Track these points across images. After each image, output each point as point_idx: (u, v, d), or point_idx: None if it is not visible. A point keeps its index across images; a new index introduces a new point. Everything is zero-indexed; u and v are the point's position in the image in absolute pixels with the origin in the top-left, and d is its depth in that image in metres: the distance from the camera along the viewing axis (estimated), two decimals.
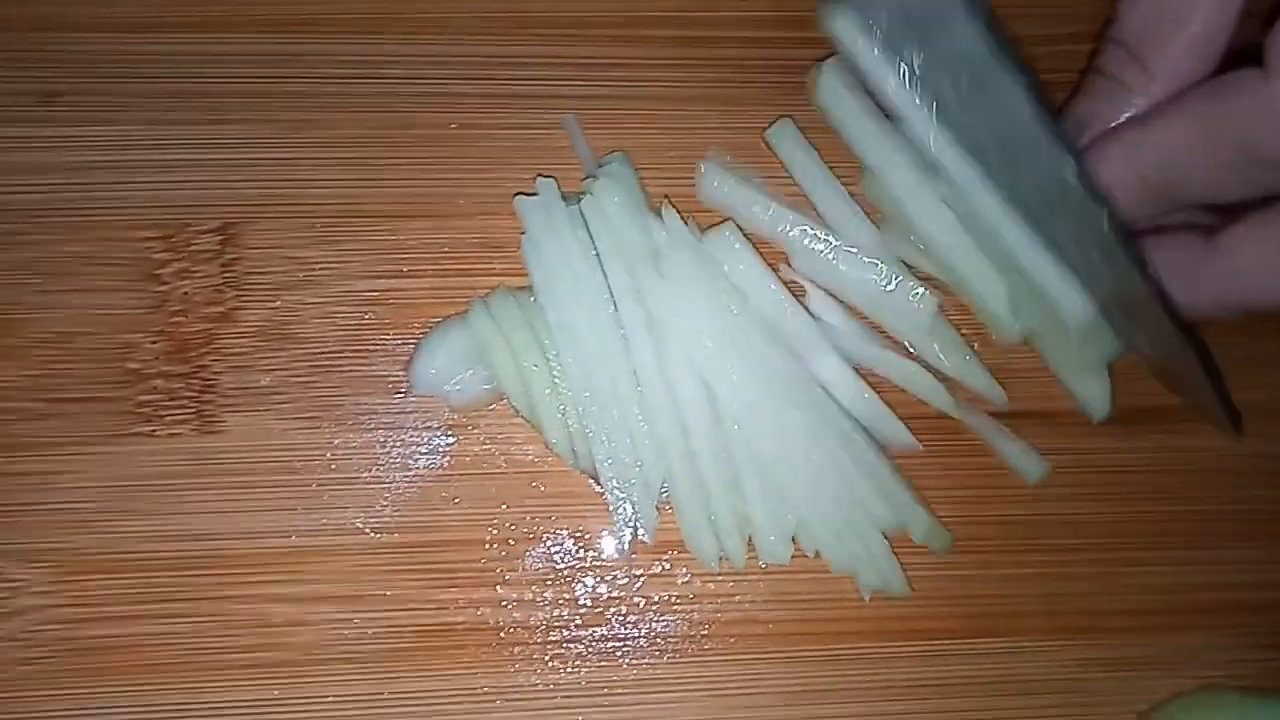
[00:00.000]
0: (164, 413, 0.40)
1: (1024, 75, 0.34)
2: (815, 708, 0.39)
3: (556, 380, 0.39)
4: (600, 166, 0.41)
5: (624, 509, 0.39)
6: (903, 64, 0.37)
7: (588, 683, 0.39)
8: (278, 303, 0.41)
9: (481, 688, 0.38)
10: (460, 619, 0.39)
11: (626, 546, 0.39)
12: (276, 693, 0.38)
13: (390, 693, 0.38)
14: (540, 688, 0.39)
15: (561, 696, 0.39)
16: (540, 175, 0.41)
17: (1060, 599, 0.41)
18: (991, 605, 0.40)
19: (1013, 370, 0.42)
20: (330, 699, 0.38)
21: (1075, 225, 0.35)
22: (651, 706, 0.39)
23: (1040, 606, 0.41)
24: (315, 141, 0.42)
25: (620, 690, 0.39)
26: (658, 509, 0.39)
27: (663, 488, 0.39)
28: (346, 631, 0.39)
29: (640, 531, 0.39)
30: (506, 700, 0.39)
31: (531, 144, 0.42)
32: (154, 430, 0.39)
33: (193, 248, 0.41)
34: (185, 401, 0.40)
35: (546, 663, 0.39)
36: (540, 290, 0.39)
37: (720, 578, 0.40)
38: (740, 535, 0.39)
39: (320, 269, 0.41)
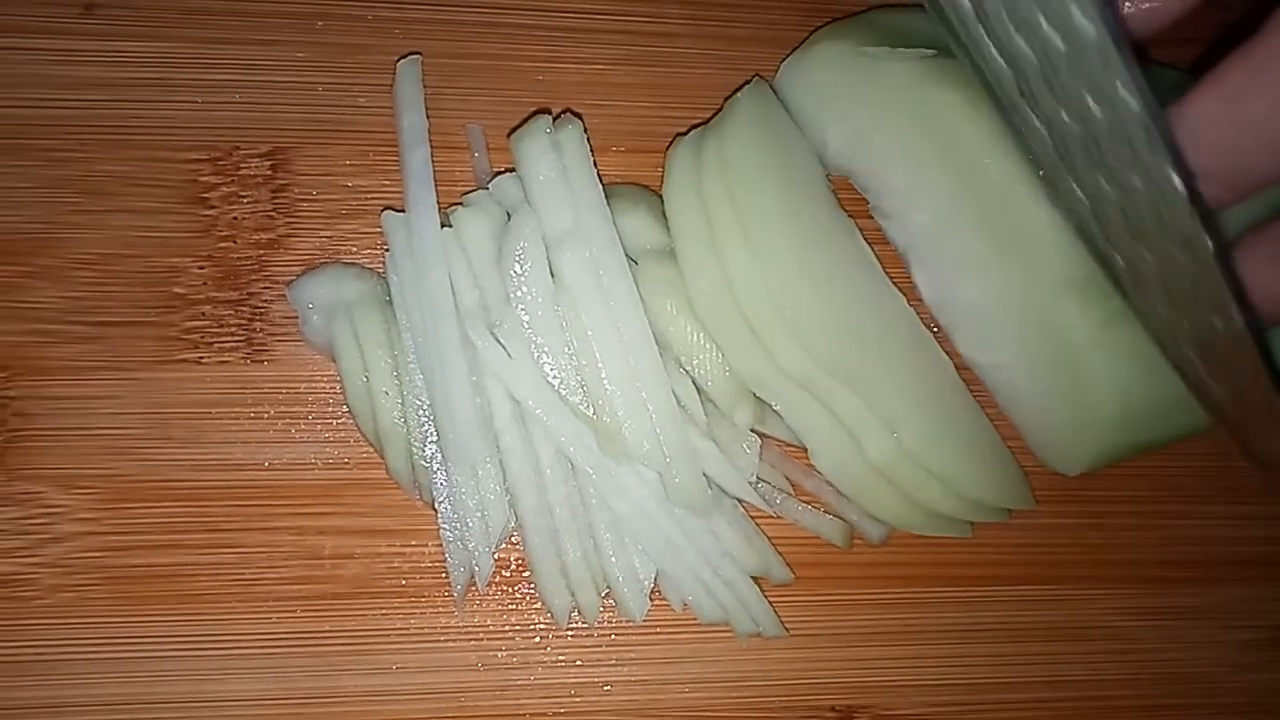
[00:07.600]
0: (212, 339, 0.39)
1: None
2: (863, 649, 0.40)
3: (407, 408, 0.36)
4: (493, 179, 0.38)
5: (458, 552, 0.37)
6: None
7: (643, 624, 0.38)
8: (330, 231, 0.40)
9: (537, 623, 0.38)
10: (515, 555, 0.39)
11: (460, 590, 0.37)
12: (328, 626, 0.37)
13: (444, 627, 0.38)
14: (595, 626, 0.38)
15: (614, 634, 0.39)
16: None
17: (1102, 549, 0.41)
18: (1035, 554, 0.41)
19: None
20: (382, 633, 0.38)
21: (1170, 251, 0.27)
22: (698, 644, 0.39)
23: (1082, 555, 0.41)
24: (368, 67, 0.41)
25: (669, 628, 0.39)
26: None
27: (512, 535, 0.38)
28: (398, 565, 0.38)
29: (476, 576, 0.37)
30: (557, 636, 0.38)
31: (596, 80, 0.42)
32: (201, 357, 0.38)
33: (242, 172, 0.40)
34: (234, 329, 0.39)
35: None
36: (400, 311, 0.37)
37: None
38: (595, 588, 0.37)
39: (373, 199, 0.40)
